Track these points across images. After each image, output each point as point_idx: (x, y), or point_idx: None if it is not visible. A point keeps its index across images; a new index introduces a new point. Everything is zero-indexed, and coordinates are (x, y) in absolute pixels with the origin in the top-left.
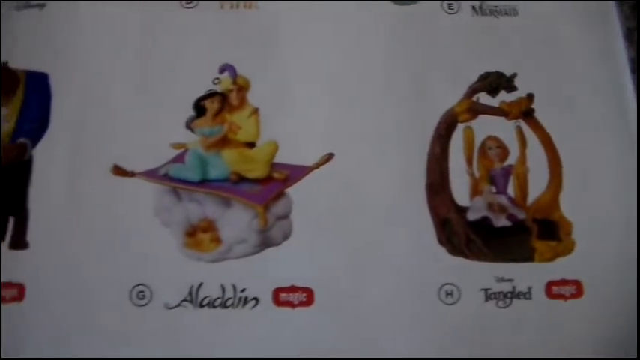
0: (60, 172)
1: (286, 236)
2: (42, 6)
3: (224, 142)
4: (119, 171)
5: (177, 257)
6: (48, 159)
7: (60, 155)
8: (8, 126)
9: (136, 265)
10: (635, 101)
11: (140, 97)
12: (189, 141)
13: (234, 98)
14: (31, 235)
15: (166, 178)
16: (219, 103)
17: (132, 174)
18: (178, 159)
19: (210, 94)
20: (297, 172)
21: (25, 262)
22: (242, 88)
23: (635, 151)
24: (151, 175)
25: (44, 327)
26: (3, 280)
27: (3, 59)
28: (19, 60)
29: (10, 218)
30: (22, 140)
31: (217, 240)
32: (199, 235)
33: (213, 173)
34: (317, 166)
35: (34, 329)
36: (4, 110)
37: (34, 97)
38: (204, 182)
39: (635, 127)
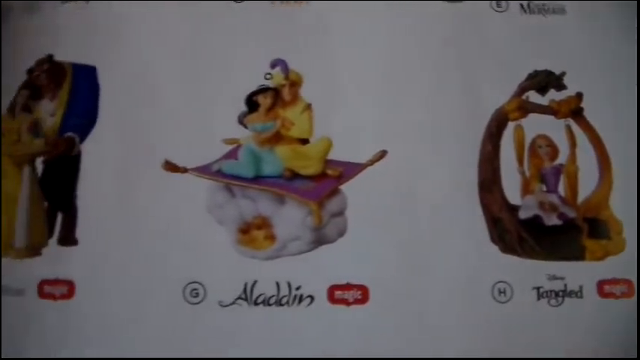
0: (109, 168)
1: (341, 233)
2: None
3: (277, 137)
4: (170, 166)
5: (231, 255)
6: (97, 154)
7: (109, 150)
8: (54, 120)
9: (189, 263)
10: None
11: (191, 92)
12: (242, 136)
13: (286, 93)
14: (81, 231)
15: (219, 174)
16: (272, 99)
17: (184, 170)
18: (231, 155)
19: (263, 90)
20: (350, 169)
21: (74, 258)
22: (294, 83)
23: None
24: (203, 170)
25: (94, 325)
26: (52, 276)
27: (48, 52)
28: (65, 53)
29: (59, 214)
30: (69, 134)
31: (271, 237)
32: (253, 233)
33: (267, 169)
34: (371, 163)
35: (83, 327)
36: (50, 104)
37: (81, 90)
38: (257, 178)
39: None
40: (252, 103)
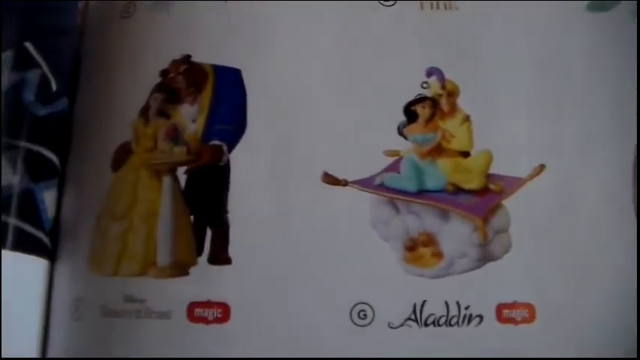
0: (262, 180)
1: (506, 250)
2: None
3: (438, 150)
4: (330, 179)
5: (398, 273)
6: (247, 164)
7: (261, 160)
8: (197, 126)
9: (356, 282)
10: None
11: (345, 99)
12: (402, 148)
13: (444, 104)
14: (234, 248)
15: (382, 187)
16: (431, 109)
17: (344, 182)
18: (393, 167)
19: (421, 99)
20: (511, 184)
21: (228, 279)
22: (451, 93)
23: None
24: (365, 184)
25: (253, 350)
26: (203, 298)
27: (186, 52)
28: (204, 55)
29: (208, 229)
30: (215, 142)
31: (438, 255)
32: (420, 250)
33: (430, 183)
34: (530, 177)
35: (241, 353)
36: (190, 108)
37: (225, 94)
38: (421, 193)
39: None
40: (410, 112)
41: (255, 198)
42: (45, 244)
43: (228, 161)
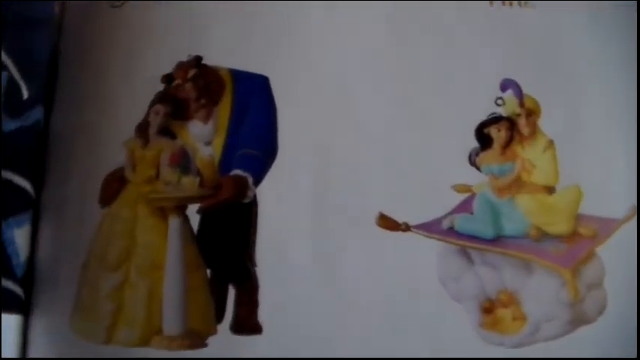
0: (300, 222)
1: (601, 310)
2: None
3: (517, 184)
4: (387, 222)
5: (472, 342)
6: (280, 202)
7: (298, 197)
8: (212, 150)
9: (422, 351)
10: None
11: (402, 119)
12: (475, 182)
13: (523, 125)
14: (264, 312)
15: (452, 233)
16: (508, 132)
17: (405, 227)
18: (464, 207)
19: (495, 119)
20: (605, 227)
21: (258, 353)
22: (531, 112)
23: None
24: (431, 228)
25: None
26: None
27: (195, 53)
28: (218, 56)
29: (230, 287)
30: (237, 172)
31: (521, 317)
32: (499, 312)
33: (509, 227)
34: (628, 218)
35: None
36: (203, 127)
37: (249, 109)
38: (498, 239)
39: None
40: (483, 136)
41: (290, 246)
42: (17, 295)
43: (254, 197)
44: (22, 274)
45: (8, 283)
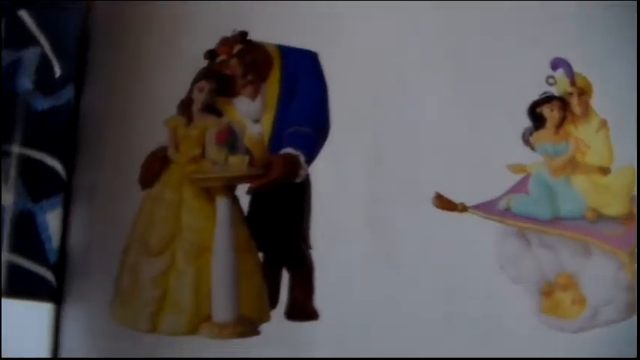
0: (354, 202)
1: None
2: None
3: (572, 164)
4: (444, 203)
5: (534, 327)
6: (334, 181)
7: (352, 176)
8: (261, 127)
9: (482, 341)
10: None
11: (455, 96)
12: (529, 162)
13: (575, 105)
14: (321, 297)
15: (509, 213)
16: (560, 111)
17: (462, 208)
18: (519, 187)
19: (548, 98)
20: None
21: (314, 339)
22: (583, 91)
23: None
24: (488, 209)
25: None
26: None
27: (240, 29)
28: (264, 31)
29: (284, 271)
30: (288, 150)
31: (580, 301)
32: (558, 295)
33: (565, 208)
34: None
35: None
36: (251, 104)
37: (298, 85)
38: (555, 220)
39: None
40: (536, 116)
41: (345, 227)
42: (49, 283)
43: (307, 176)
44: (54, 260)
45: (41, 270)
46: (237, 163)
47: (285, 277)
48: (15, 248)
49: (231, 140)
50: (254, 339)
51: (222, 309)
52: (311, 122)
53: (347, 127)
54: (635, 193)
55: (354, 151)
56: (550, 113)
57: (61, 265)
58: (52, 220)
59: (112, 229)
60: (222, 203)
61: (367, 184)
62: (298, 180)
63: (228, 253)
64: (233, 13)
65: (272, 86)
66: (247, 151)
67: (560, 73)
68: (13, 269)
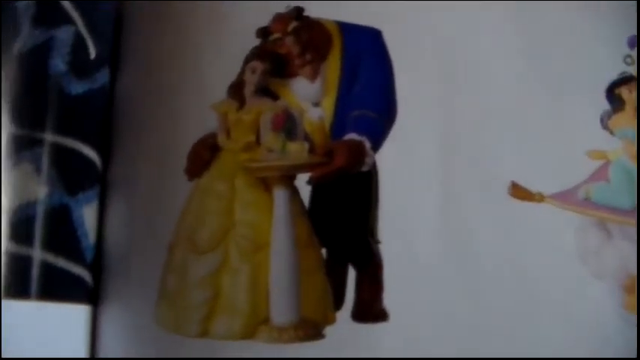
0: (427, 192)
1: None
2: None
3: None
4: (521, 192)
5: (614, 325)
6: (404, 169)
7: (424, 164)
8: (322, 112)
9: (563, 340)
10: None
11: (529, 76)
12: (609, 147)
13: None
14: (390, 297)
15: (589, 203)
16: None
17: (539, 197)
18: (599, 175)
19: (626, 79)
20: None
21: (384, 342)
22: None
23: None
24: (567, 199)
25: None
26: None
27: (294, 4)
28: (321, 7)
29: (350, 269)
30: (353, 136)
31: None
32: None
33: None
34: None
35: None
36: (309, 86)
37: (361, 66)
38: (636, 209)
39: None
40: (615, 97)
41: (415, 220)
42: (86, 283)
43: (374, 165)
44: (91, 258)
45: (77, 269)
46: (297, 150)
47: (352, 275)
48: (49, 246)
49: (288, 125)
50: (317, 343)
51: (281, 311)
52: (376, 106)
53: (416, 112)
54: None
55: (424, 138)
56: (629, 95)
57: (98, 263)
58: (88, 214)
59: (154, 224)
60: (280, 195)
61: (439, 173)
62: (364, 168)
63: (288, 250)
64: None
65: (332, 66)
66: (307, 138)
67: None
68: (47, 269)
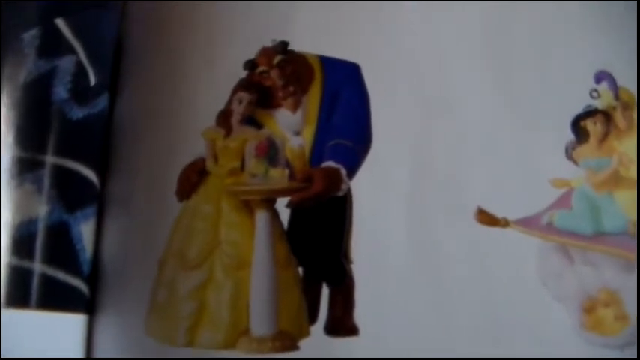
0: (397, 217)
1: None
2: None
3: (615, 179)
4: (487, 218)
5: (575, 344)
6: (376, 195)
7: (394, 191)
8: (302, 140)
9: (521, 352)
10: None
11: (498, 108)
12: (572, 176)
13: (619, 119)
14: (361, 313)
15: (552, 229)
16: (604, 125)
17: (504, 222)
18: (562, 202)
19: (591, 112)
20: None
21: (356, 352)
22: (627, 105)
23: None
24: (530, 224)
25: None
26: None
27: (279, 39)
28: (304, 42)
29: (324, 286)
30: (330, 164)
31: (623, 317)
32: (600, 312)
33: (608, 223)
34: None
35: None
36: (291, 116)
37: (340, 98)
38: (597, 235)
39: None
40: (579, 129)
41: (386, 242)
42: (83, 293)
43: (349, 190)
44: (88, 271)
45: (75, 281)
46: (278, 176)
47: (325, 292)
48: (49, 260)
49: (271, 153)
50: (293, 354)
51: (260, 323)
52: (353, 136)
53: (389, 140)
54: None
55: (397, 165)
56: (593, 127)
57: (95, 276)
58: (86, 231)
59: (147, 240)
60: (261, 217)
61: (409, 198)
62: (340, 194)
63: (268, 268)
64: (274, 23)
65: (313, 98)
66: (288, 164)
67: (603, 87)
68: (47, 281)
